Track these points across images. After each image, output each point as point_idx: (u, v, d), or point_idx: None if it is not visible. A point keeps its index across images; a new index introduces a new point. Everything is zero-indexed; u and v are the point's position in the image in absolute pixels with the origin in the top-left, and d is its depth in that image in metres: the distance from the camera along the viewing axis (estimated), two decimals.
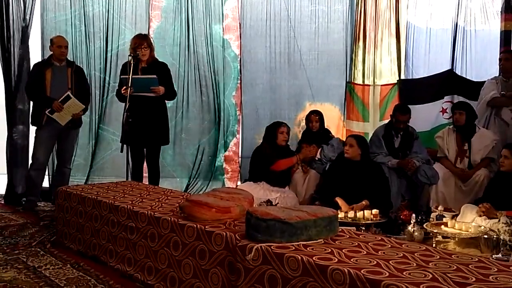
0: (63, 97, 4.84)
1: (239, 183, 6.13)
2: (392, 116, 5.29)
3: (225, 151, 6.43)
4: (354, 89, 6.57)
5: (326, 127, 5.70)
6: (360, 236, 2.50)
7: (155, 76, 4.62)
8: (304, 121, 5.85)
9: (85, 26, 5.83)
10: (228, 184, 6.32)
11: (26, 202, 5.06)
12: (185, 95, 6.21)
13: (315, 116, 5.56)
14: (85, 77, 5.30)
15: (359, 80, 6.63)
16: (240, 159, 6.42)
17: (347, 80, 6.60)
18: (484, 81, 5.41)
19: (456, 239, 3.66)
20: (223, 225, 2.62)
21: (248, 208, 2.59)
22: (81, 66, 5.45)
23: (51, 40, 5.02)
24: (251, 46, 6.46)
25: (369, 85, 6.55)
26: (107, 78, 5.93)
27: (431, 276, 1.83)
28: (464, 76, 6.21)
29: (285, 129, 5.07)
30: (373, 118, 6.45)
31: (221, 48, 6.34)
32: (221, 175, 6.39)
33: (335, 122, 6.57)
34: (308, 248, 2.19)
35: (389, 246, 2.28)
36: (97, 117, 5.91)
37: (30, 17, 5.41)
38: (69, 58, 5.18)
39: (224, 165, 6.43)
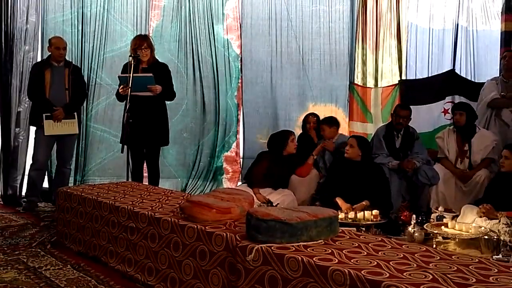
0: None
1: (239, 183, 6.12)
2: (393, 114, 5.30)
3: (226, 151, 6.42)
4: (356, 90, 6.56)
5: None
6: (361, 236, 2.50)
7: (151, 74, 4.62)
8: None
9: (84, 26, 5.82)
10: (229, 184, 6.31)
11: (26, 202, 5.06)
12: (187, 94, 6.20)
13: (313, 118, 5.56)
14: (82, 77, 5.30)
15: (360, 81, 6.62)
16: (241, 159, 6.40)
17: (350, 81, 6.58)
18: None
19: (457, 239, 3.65)
20: (223, 225, 2.62)
21: (248, 209, 2.59)
22: (79, 66, 5.45)
23: (49, 41, 5.01)
24: (252, 45, 6.46)
25: (371, 87, 6.55)
26: (106, 78, 5.93)
27: (431, 277, 1.83)
28: (465, 76, 6.20)
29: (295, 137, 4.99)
30: (375, 119, 6.44)
31: (223, 48, 6.34)
32: (220, 175, 6.38)
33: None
34: (308, 249, 2.19)
35: (390, 247, 2.28)
36: (96, 118, 5.92)
37: (36, 18, 5.41)
38: (68, 59, 5.18)
39: (225, 166, 6.43)
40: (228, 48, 6.38)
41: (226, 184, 6.34)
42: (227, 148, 6.44)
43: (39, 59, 5.42)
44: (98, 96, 5.93)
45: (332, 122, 5.35)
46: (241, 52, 6.41)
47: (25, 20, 5.41)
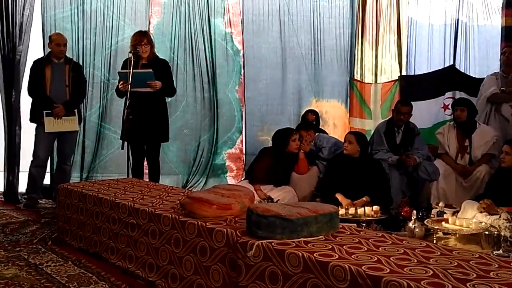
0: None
1: (241, 179, 6.11)
2: (394, 109, 5.30)
3: (230, 148, 6.41)
4: (356, 86, 6.56)
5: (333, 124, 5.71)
6: (361, 232, 2.50)
7: (151, 70, 4.61)
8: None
9: (84, 22, 5.80)
10: (232, 182, 6.29)
11: (27, 199, 5.06)
12: (186, 90, 6.18)
13: (312, 115, 5.55)
14: (82, 74, 5.29)
15: (360, 77, 6.61)
16: (244, 156, 6.39)
17: (350, 77, 6.58)
18: None
19: (457, 235, 3.65)
20: (224, 221, 2.62)
21: (249, 205, 2.59)
22: (79, 63, 5.44)
23: (49, 37, 5.01)
24: (254, 41, 6.44)
25: (370, 83, 6.54)
26: (107, 75, 5.92)
27: (432, 272, 1.83)
28: (466, 71, 6.20)
29: (297, 136, 4.93)
30: (375, 115, 6.44)
31: (222, 42, 6.30)
32: (223, 173, 6.36)
33: (341, 120, 6.56)
34: (309, 245, 2.19)
35: (390, 242, 2.28)
36: (97, 114, 5.91)
37: (30, 13, 5.39)
38: (68, 55, 5.16)
39: (228, 163, 6.39)
40: (228, 42, 6.36)
41: (230, 181, 6.32)
42: (231, 145, 6.41)
43: (39, 56, 5.40)
44: (100, 93, 5.91)
45: (308, 126, 5.31)
46: (243, 48, 6.38)
47: (24, 16, 5.38)
